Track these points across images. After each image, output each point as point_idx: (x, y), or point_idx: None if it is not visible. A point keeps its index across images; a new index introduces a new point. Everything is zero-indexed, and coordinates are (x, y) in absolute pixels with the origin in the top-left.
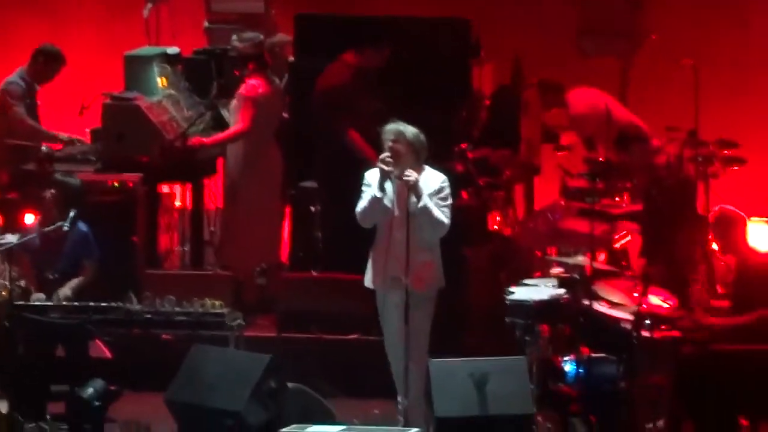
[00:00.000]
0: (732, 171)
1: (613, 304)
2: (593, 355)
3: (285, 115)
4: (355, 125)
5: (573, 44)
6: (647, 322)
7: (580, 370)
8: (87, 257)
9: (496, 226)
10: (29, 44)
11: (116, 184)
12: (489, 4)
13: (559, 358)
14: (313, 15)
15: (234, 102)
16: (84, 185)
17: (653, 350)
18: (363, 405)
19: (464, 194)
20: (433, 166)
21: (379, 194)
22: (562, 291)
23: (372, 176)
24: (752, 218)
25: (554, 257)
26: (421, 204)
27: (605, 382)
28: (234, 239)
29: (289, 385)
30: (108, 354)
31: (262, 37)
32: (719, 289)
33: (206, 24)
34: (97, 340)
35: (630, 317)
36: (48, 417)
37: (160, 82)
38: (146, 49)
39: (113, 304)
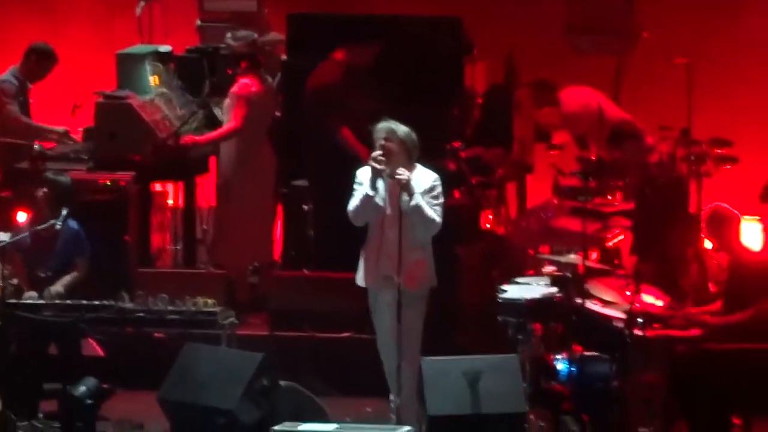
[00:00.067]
0: (724, 170)
1: (606, 302)
2: (586, 353)
3: (277, 113)
4: (346, 123)
5: (566, 43)
6: (640, 320)
7: (573, 369)
8: (79, 255)
9: (488, 225)
10: (26, 42)
11: (108, 183)
12: (482, 2)
13: (552, 357)
14: (306, 14)
15: (227, 100)
16: (75, 184)
17: (646, 349)
18: (355, 403)
19: (456, 193)
20: (425, 164)
21: (371, 193)
22: (554, 289)
23: (364, 174)
24: (744, 217)
25: (547, 256)
26: (413, 202)
27: (598, 381)
28: (226, 238)
29: (282, 383)
30: (101, 352)
31: (255, 35)
32: (711, 288)
33: (199, 22)
34: (90, 339)
35: (622, 315)
36: (40, 415)
37: (153, 80)
38: (139, 48)
39: (106, 302)
